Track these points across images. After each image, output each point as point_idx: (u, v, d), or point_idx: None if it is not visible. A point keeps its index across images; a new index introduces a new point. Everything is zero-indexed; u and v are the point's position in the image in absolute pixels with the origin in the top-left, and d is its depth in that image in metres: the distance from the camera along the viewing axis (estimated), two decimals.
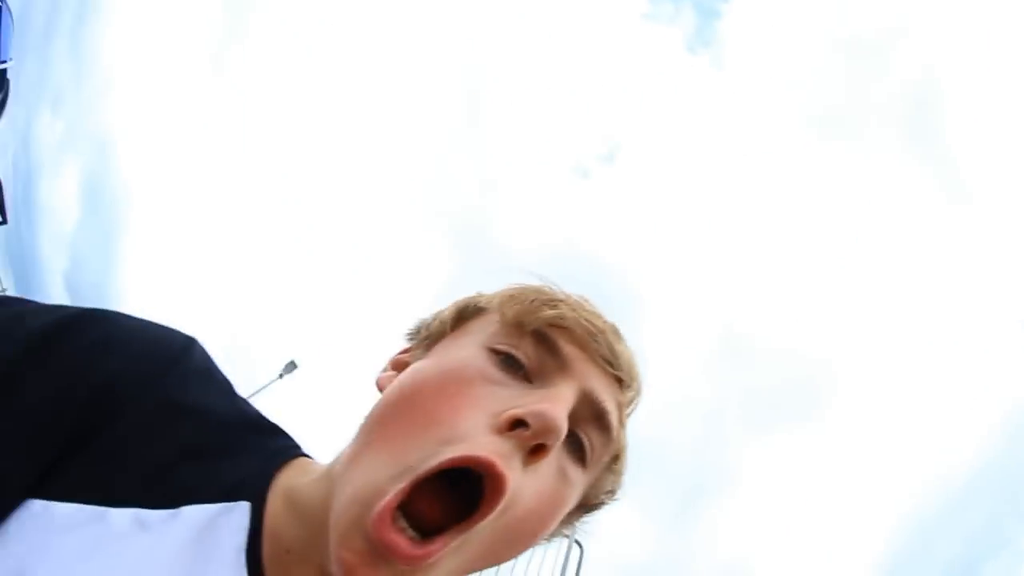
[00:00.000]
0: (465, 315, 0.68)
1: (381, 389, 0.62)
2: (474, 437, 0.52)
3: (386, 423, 0.56)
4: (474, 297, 0.69)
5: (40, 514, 0.48)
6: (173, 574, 0.50)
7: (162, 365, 0.56)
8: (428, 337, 0.69)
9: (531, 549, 0.61)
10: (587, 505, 0.67)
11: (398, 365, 0.68)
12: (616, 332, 0.67)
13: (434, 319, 0.70)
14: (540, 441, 0.53)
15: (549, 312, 0.62)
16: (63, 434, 0.50)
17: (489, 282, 0.70)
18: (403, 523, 0.49)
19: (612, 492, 0.68)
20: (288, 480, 0.59)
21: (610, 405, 0.61)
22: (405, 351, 0.71)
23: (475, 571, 0.57)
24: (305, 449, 0.65)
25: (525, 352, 0.60)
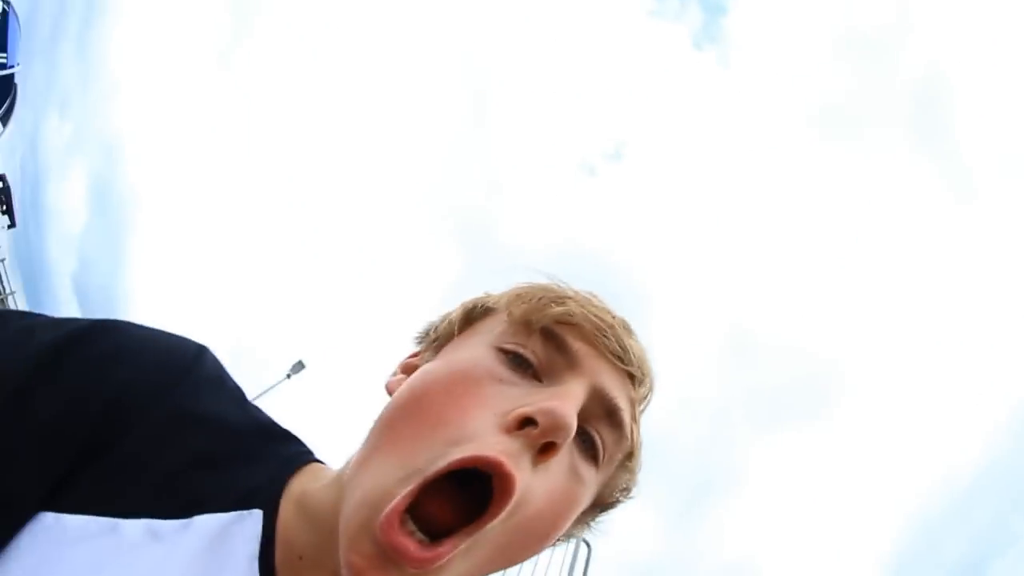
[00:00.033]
0: (473, 316, 0.67)
1: (390, 393, 0.62)
2: (482, 437, 0.52)
3: (394, 426, 0.56)
4: (481, 297, 0.69)
5: (52, 527, 0.48)
6: None
7: (174, 375, 0.56)
8: (436, 339, 0.68)
9: (543, 550, 0.60)
10: (602, 504, 0.66)
11: (407, 369, 0.67)
12: (626, 327, 0.66)
13: (442, 321, 0.70)
14: (549, 439, 0.52)
15: (557, 309, 0.61)
16: (75, 447, 0.50)
17: (497, 282, 0.69)
18: (412, 526, 0.49)
19: (627, 490, 0.67)
20: (300, 486, 0.59)
21: (622, 401, 0.60)
22: (414, 355, 0.70)
23: (488, 573, 0.56)
24: (318, 454, 0.65)
25: (533, 350, 0.60)
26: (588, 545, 4.08)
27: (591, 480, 0.59)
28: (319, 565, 0.54)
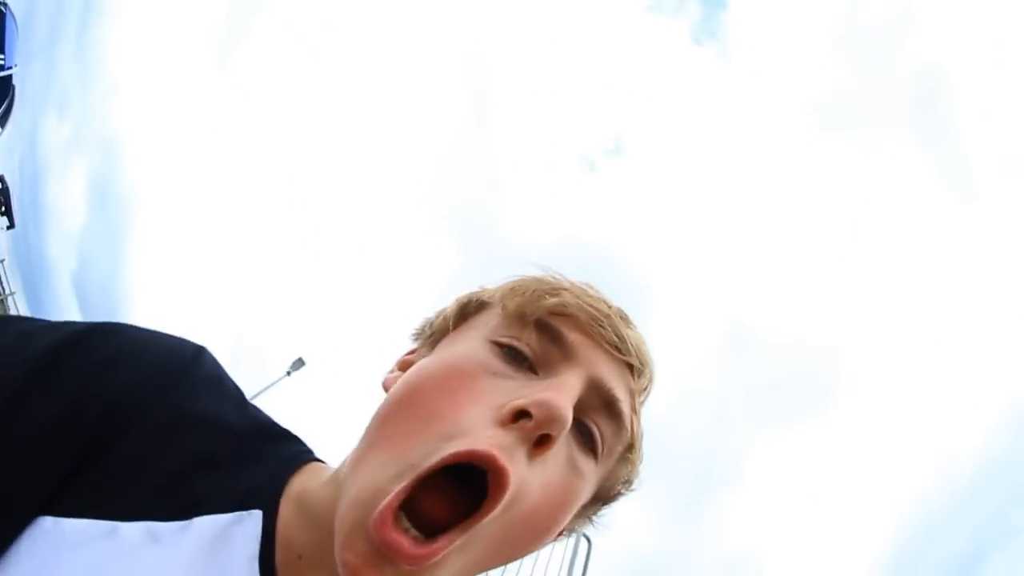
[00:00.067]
0: (468, 311, 0.67)
1: (387, 390, 0.61)
2: (476, 431, 0.51)
3: (389, 422, 0.55)
4: (476, 292, 0.68)
5: (51, 531, 0.47)
6: None
7: (172, 376, 0.56)
8: (432, 335, 0.68)
9: (543, 545, 0.59)
10: (603, 497, 0.65)
11: (404, 365, 0.67)
12: (623, 317, 0.65)
13: (437, 317, 0.69)
14: (544, 431, 0.52)
15: (551, 300, 0.60)
16: (74, 450, 0.49)
17: (497, 278, 0.68)
18: (406, 523, 0.48)
19: (629, 482, 0.66)
20: (300, 486, 0.58)
21: (620, 392, 0.59)
22: (411, 352, 0.70)
23: (486, 570, 0.56)
24: (318, 452, 0.64)
25: (528, 343, 0.59)
26: (588, 541, 4.09)
27: (590, 473, 0.58)
28: (318, 564, 0.54)
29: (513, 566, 3.61)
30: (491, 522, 0.50)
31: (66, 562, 0.47)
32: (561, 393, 0.53)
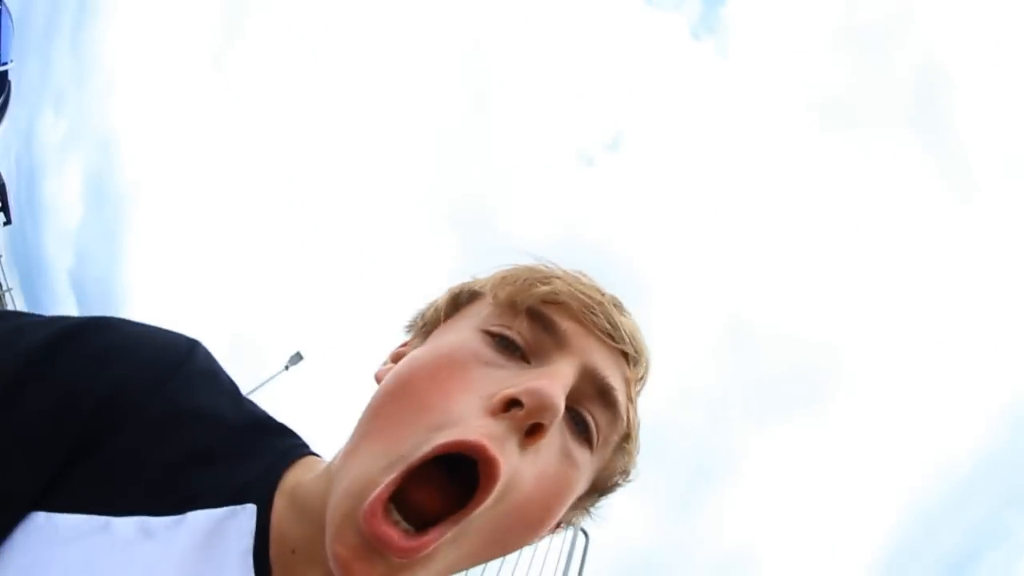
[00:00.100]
0: (460, 301, 0.66)
1: (379, 382, 0.61)
2: (466, 421, 0.50)
3: (380, 413, 0.55)
4: (468, 282, 0.67)
5: (44, 526, 0.47)
6: None
7: (166, 371, 0.55)
8: (424, 326, 0.67)
9: (539, 538, 0.59)
10: (600, 489, 0.64)
11: (397, 357, 0.66)
12: (617, 304, 0.64)
13: (429, 308, 0.68)
14: (536, 420, 0.51)
15: (542, 288, 0.59)
16: (67, 445, 0.49)
17: (492, 270, 0.67)
18: (396, 515, 0.48)
19: (626, 473, 0.65)
20: (294, 479, 0.58)
21: (615, 380, 0.58)
22: (404, 344, 0.70)
23: (480, 562, 0.55)
24: (313, 446, 0.64)
25: (520, 332, 0.58)
26: (586, 535, 4.09)
27: (585, 463, 0.57)
28: (312, 558, 0.53)
29: (510, 560, 3.61)
30: (483, 514, 0.49)
31: (59, 557, 0.46)
32: (553, 381, 0.52)
